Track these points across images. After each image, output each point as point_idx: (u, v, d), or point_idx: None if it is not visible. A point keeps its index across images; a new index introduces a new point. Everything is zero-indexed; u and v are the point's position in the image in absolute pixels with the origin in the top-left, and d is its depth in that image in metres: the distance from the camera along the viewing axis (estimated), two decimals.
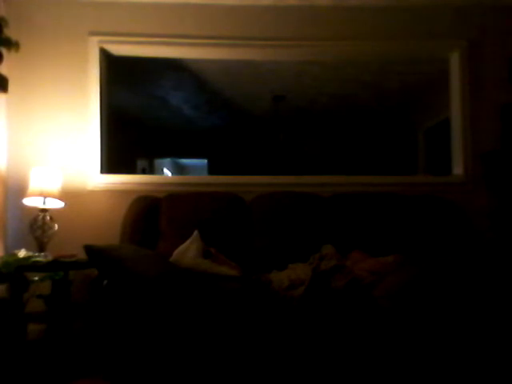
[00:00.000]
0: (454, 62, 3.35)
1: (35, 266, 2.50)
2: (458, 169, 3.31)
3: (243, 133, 6.87)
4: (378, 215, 2.89)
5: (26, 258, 2.50)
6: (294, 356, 2.04)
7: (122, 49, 3.30)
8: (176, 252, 2.55)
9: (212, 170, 7.14)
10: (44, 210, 2.85)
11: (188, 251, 2.52)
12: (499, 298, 2.09)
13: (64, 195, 2.91)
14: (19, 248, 2.61)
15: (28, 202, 2.85)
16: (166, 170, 7.48)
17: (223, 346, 1.98)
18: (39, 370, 2.31)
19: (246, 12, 3.27)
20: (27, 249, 2.62)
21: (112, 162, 3.42)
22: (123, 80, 4.59)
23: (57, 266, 2.56)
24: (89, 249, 2.24)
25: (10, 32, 2.77)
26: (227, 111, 5.99)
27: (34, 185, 2.81)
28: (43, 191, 2.80)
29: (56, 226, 2.87)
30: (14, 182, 3.04)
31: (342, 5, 3.28)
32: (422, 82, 4.85)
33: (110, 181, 3.14)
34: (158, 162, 7.26)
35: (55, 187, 2.86)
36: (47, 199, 2.83)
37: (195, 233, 2.63)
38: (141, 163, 6.74)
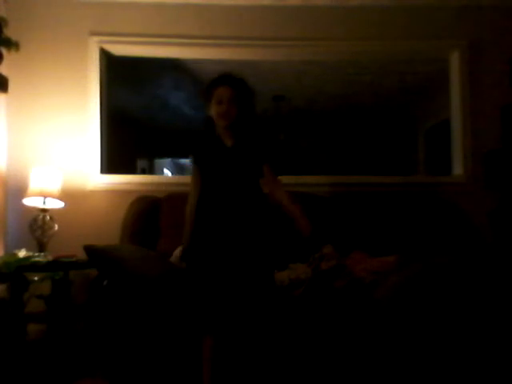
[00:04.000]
0: (454, 62, 3.34)
1: (35, 266, 2.49)
2: (458, 169, 3.31)
3: None
4: (378, 215, 2.89)
5: (25, 258, 2.50)
6: (293, 354, 2.04)
7: (122, 49, 3.29)
8: (176, 252, 2.55)
9: None
10: (44, 210, 2.85)
11: None
12: (499, 298, 2.09)
13: (64, 195, 2.91)
14: (19, 248, 2.61)
15: (28, 201, 2.85)
16: (165, 170, 7.47)
17: (223, 346, 1.98)
18: (39, 370, 2.31)
19: (246, 12, 3.27)
20: (27, 249, 2.62)
21: (112, 162, 3.41)
22: (123, 80, 4.58)
23: (57, 266, 2.56)
24: (89, 249, 2.24)
25: (10, 32, 2.76)
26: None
27: (33, 185, 2.81)
28: (43, 191, 2.80)
29: (56, 226, 2.87)
30: (14, 182, 3.04)
31: (341, 5, 3.28)
32: (421, 81, 4.84)
33: (110, 181, 3.13)
34: (157, 162, 7.25)
35: (55, 187, 2.86)
36: (47, 199, 2.84)
37: None
38: (141, 163, 6.73)
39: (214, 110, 2.05)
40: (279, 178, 2.16)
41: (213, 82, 2.09)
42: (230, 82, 2.07)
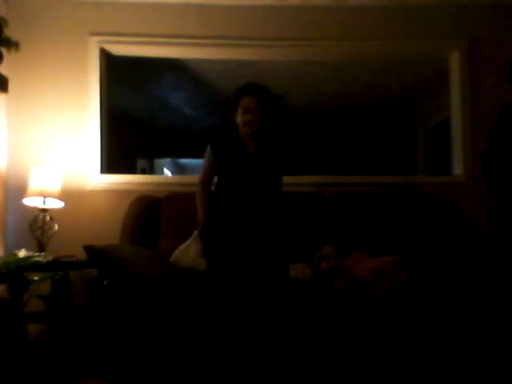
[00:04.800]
0: (454, 62, 3.34)
1: (35, 266, 2.50)
2: (458, 169, 3.31)
3: None
4: (378, 215, 2.89)
5: (25, 258, 2.50)
6: (293, 353, 2.04)
7: (122, 49, 3.30)
8: (176, 252, 2.55)
9: None
10: (44, 210, 2.85)
11: (188, 251, 2.51)
12: (499, 298, 2.09)
13: (64, 195, 2.91)
14: (19, 248, 2.61)
15: (28, 201, 2.85)
16: (165, 170, 7.47)
17: (223, 346, 1.98)
18: (39, 370, 2.31)
19: (246, 12, 3.27)
20: (27, 249, 2.62)
21: (112, 162, 3.41)
22: (123, 80, 4.58)
23: (57, 266, 2.56)
24: (89, 249, 2.24)
25: (10, 32, 2.76)
26: (227, 111, 5.97)
27: (33, 185, 2.81)
28: (43, 191, 2.80)
29: (56, 226, 2.87)
30: (14, 182, 3.04)
31: (342, 5, 3.28)
32: (421, 81, 4.83)
33: (110, 181, 3.14)
34: (157, 162, 7.25)
35: (55, 187, 2.86)
36: (47, 199, 2.84)
37: (195, 233, 2.62)
38: (141, 163, 6.73)
39: (239, 119, 2.13)
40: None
41: (239, 92, 2.16)
42: (255, 91, 2.13)
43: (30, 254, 2.57)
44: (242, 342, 1.95)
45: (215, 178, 2.28)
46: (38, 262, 2.51)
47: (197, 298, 2.14)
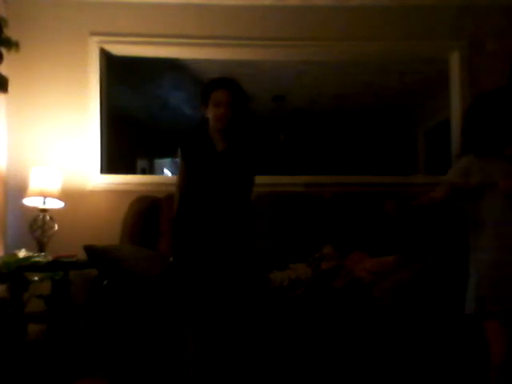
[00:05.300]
0: (454, 62, 3.34)
1: (35, 266, 2.49)
2: None
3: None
4: (378, 215, 2.88)
5: (25, 258, 2.50)
6: (293, 353, 2.05)
7: (122, 49, 3.29)
8: None
9: None
10: (44, 210, 2.85)
11: None
12: None
13: (64, 195, 2.91)
14: (19, 248, 2.61)
15: (28, 201, 2.85)
16: (165, 170, 7.47)
17: (223, 346, 1.98)
18: (39, 370, 2.31)
19: (246, 12, 3.27)
20: (27, 249, 2.62)
21: (112, 162, 3.41)
22: (123, 80, 4.58)
23: (57, 266, 2.56)
24: (89, 249, 2.25)
25: (10, 32, 2.76)
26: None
27: (34, 185, 2.81)
28: (43, 191, 2.80)
29: (56, 226, 2.87)
30: (14, 182, 3.04)
31: (342, 5, 3.28)
32: (421, 81, 4.83)
33: (110, 181, 3.13)
34: (157, 162, 7.25)
35: (55, 187, 2.86)
36: (47, 199, 2.84)
37: None
38: (141, 163, 6.73)
39: (211, 113, 2.07)
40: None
41: (210, 85, 2.12)
42: (227, 85, 2.10)
43: (30, 254, 2.56)
44: (212, 343, 1.95)
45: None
46: (38, 262, 2.51)
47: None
